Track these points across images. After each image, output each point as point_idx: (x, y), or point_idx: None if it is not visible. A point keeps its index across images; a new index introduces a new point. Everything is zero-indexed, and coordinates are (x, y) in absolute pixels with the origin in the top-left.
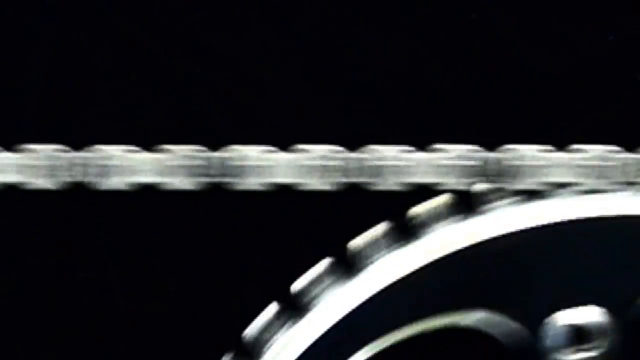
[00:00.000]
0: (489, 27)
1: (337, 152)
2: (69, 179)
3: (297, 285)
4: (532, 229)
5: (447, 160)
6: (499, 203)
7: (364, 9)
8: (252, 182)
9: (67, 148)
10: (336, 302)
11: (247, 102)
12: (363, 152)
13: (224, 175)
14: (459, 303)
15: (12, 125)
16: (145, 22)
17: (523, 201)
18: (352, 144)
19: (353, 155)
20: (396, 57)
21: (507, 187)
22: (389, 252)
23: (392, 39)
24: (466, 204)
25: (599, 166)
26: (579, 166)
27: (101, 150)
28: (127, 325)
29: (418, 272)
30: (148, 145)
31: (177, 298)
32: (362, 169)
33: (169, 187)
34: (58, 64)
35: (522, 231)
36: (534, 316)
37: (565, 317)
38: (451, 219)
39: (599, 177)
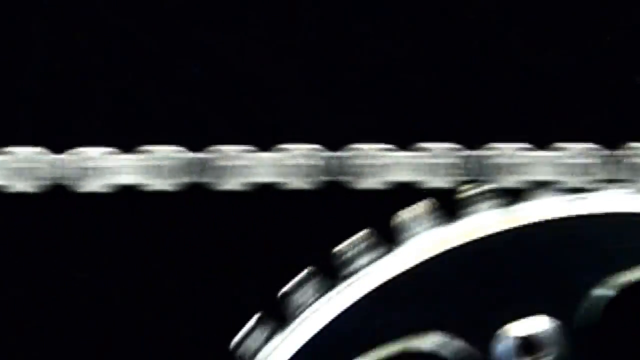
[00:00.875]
0: (489, 27)
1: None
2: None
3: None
4: (471, 242)
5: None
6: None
7: (364, 9)
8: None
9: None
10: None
11: (245, 102)
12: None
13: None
14: (413, 326)
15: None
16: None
17: (448, 221)
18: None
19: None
20: (394, 58)
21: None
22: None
23: (391, 39)
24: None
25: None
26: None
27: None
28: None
29: (366, 298)
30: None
31: (170, 300)
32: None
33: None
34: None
35: (461, 246)
36: (483, 333)
37: (514, 330)
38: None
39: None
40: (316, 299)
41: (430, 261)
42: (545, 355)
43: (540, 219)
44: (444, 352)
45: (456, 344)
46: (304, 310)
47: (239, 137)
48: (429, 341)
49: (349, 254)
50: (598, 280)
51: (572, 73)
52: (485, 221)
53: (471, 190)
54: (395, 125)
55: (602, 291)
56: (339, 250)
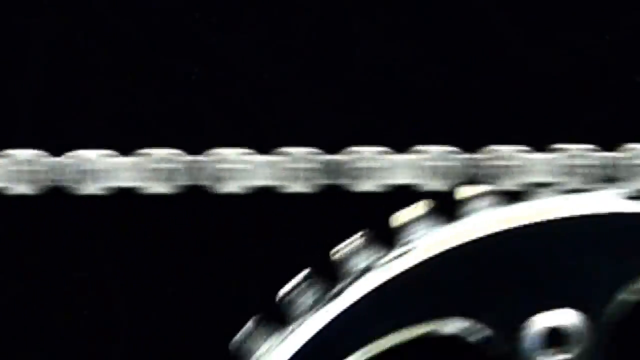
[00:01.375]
0: (489, 27)
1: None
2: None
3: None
4: (505, 232)
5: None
6: (475, 206)
7: (363, 9)
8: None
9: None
10: (314, 315)
11: (246, 102)
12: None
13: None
14: (437, 311)
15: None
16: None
17: (497, 204)
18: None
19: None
20: (394, 57)
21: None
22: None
23: (391, 39)
24: (443, 209)
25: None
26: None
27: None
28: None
29: (393, 281)
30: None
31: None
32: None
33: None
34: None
35: (493, 235)
36: (510, 321)
37: (542, 321)
38: (424, 225)
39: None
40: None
41: (453, 251)
42: (571, 349)
43: (575, 214)
44: (468, 337)
45: (482, 330)
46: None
47: (239, 138)
48: (452, 326)
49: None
50: (631, 278)
51: (572, 73)
52: (513, 213)
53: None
54: (396, 127)
55: (632, 290)
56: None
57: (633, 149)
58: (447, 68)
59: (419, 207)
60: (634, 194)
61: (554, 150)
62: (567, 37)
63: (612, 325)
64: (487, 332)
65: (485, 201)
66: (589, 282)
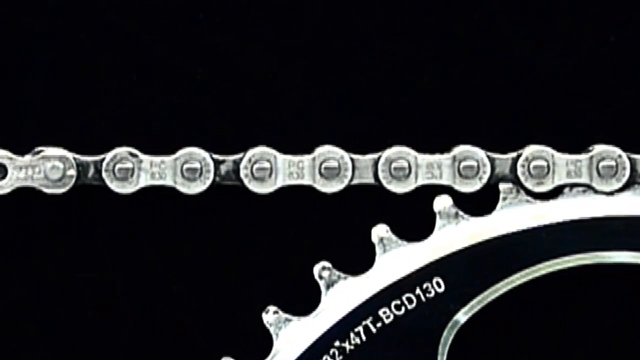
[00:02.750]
0: (489, 27)
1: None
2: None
3: None
4: None
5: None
6: None
7: (364, 9)
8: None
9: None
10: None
11: (247, 102)
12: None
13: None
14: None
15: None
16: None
17: None
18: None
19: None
20: (396, 57)
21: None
22: None
23: (392, 39)
24: None
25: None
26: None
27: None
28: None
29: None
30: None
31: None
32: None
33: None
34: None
35: None
36: None
37: None
38: None
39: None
40: None
41: None
42: None
43: None
44: None
45: None
46: None
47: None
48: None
49: None
50: None
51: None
52: None
53: None
54: (398, 126)
55: None
56: None
57: None
58: (448, 68)
59: None
60: None
61: None
62: (570, 37)
63: None
64: None
65: None
66: None
